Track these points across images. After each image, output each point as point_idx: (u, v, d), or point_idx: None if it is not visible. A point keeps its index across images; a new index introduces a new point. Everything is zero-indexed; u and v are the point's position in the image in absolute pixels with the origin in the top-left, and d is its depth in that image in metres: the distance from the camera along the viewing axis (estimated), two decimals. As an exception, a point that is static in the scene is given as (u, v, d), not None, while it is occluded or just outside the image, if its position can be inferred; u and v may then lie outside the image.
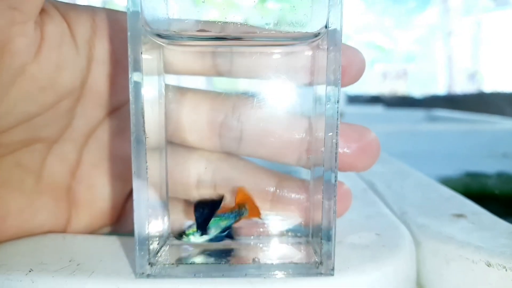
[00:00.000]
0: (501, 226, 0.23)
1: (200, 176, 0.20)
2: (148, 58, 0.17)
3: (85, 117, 0.21)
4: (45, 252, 0.19)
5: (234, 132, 0.20)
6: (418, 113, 1.59)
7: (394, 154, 0.55)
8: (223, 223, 0.18)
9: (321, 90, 0.18)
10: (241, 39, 0.17)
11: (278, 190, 0.20)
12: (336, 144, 0.17)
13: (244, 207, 0.19)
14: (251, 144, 0.20)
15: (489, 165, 0.96)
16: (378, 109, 1.82)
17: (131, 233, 0.19)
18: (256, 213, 0.19)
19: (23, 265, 0.18)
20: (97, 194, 0.22)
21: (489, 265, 0.19)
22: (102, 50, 0.20)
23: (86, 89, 0.20)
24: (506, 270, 0.18)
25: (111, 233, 0.24)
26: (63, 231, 0.22)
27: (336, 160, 0.17)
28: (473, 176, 0.95)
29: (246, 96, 0.20)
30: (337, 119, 0.16)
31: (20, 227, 0.20)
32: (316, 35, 0.16)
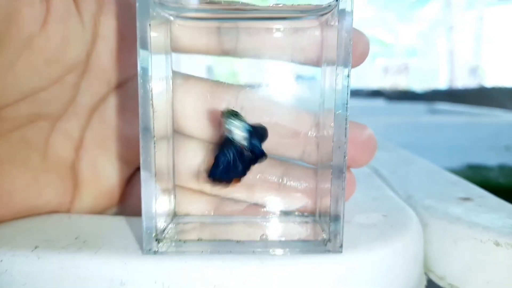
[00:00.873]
0: (508, 208, 0.23)
1: (200, 166, 0.20)
2: (155, 35, 0.17)
3: (89, 93, 0.21)
4: (51, 230, 0.19)
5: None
6: (420, 107, 1.58)
7: (396, 146, 0.55)
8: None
9: (328, 76, 0.17)
10: (249, 11, 0.17)
11: (284, 179, 0.20)
12: (346, 122, 0.16)
13: None
14: None
15: (491, 158, 0.96)
16: (379, 103, 1.82)
17: (135, 214, 0.19)
18: None
19: (29, 242, 0.17)
20: (100, 173, 0.22)
21: (497, 244, 0.18)
22: (107, 25, 0.20)
23: (90, 63, 0.20)
24: (515, 248, 0.18)
25: (116, 215, 0.24)
26: (68, 210, 0.22)
27: (346, 136, 0.16)
28: (475, 168, 0.95)
29: (251, 86, 0.19)
30: (347, 94, 0.16)
31: (25, 204, 0.20)
32: (325, 8, 0.16)
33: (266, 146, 0.19)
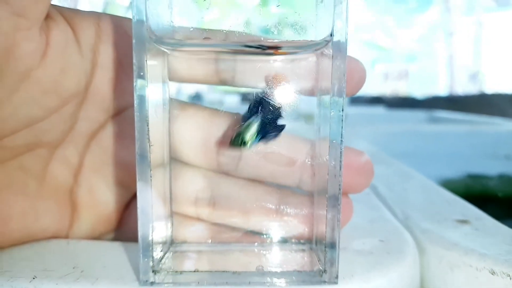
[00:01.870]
0: (504, 231, 0.23)
1: (198, 193, 0.20)
2: (153, 64, 0.17)
3: (87, 121, 0.21)
4: (49, 258, 0.19)
5: (233, 151, 0.20)
6: (420, 114, 1.58)
7: (396, 155, 0.55)
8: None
9: (324, 102, 0.18)
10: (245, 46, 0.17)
11: (281, 207, 0.20)
12: (341, 152, 0.16)
13: None
14: (250, 164, 0.20)
15: (491, 167, 0.96)
16: (379, 110, 1.82)
17: (133, 240, 0.19)
18: None
19: (27, 272, 0.17)
20: (98, 198, 0.22)
21: (493, 273, 0.18)
22: (106, 54, 0.20)
23: (89, 93, 0.20)
24: (510, 278, 0.18)
25: (114, 240, 0.24)
26: (66, 235, 0.22)
27: (341, 165, 0.17)
28: (474, 177, 0.95)
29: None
30: (342, 124, 0.16)
31: (23, 231, 0.20)
32: (321, 43, 0.16)
33: (262, 175, 0.19)
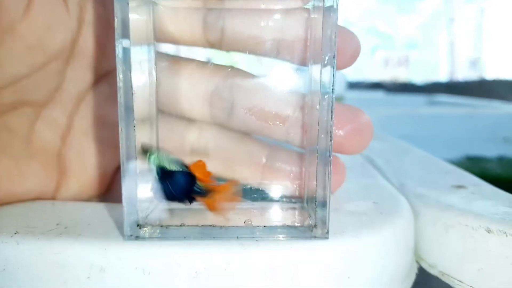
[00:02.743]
0: (502, 195, 0.22)
1: (193, 145, 0.20)
2: (136, 16, 0.16)
3: (75, 81, 0.21)
4: (33, 216, 0.19)
5: (225, 103, 0.19)
6: (419, 99, 1.58)
7: (395, 137, 0.54)
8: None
9: (317, 59, 0.17)
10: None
11: (269, 162, 0.19)
12: (333, 102, 0.16)
13: (213, 193, 0.17)
14: (241, 116, 0.19)
15: (489, 149, 0.96)
16: (378, 95, 1.81)
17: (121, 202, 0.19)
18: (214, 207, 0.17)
19: (9, 228, 0.17)
20: (88, 161, 0.22)
21: (489, 231, 0.18)
22: (93, 11, 0.20)
23: (76, 51, 0.20)
24: (506, 235, 0.17)
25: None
26: (52, 198, 0.21)
27: (332, 120, 0.16)
28: (473, 160, 0.94)
29: (239, 68, 0.19)
30: (333, 76, 0.16)
31: (7, 191, 0.20)
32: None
33: (253, 127, 0.19)
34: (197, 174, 0.17)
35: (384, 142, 0.43)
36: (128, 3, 0.15)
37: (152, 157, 0.16)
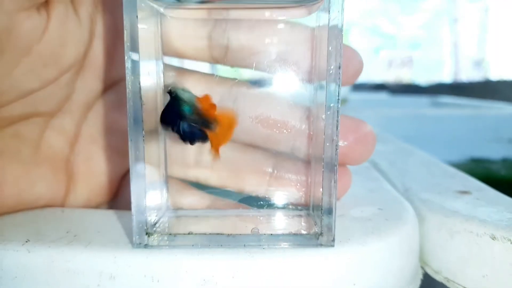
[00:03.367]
0: (506, 201, 0.22)
1: (198, 156, 0.20)
2: (145, 26, 0.16)
3: (84, 90, 0.21)
4: (43, 224, 0.19)
5: None
6: (423, 100, 1.57)
7: (399, 138, 0.54)
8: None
9: (322, 70, 0.17)
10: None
11: (275, 171, 0.20)
12: (338, 112, 0.16)
13: (216, 124, 0.18)
14: (245, 128, 0.19)
15: (494, 151, 0.96)
16: (382, 96, 1.81)
17: (130, 210, 0.19)
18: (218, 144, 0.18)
19: (20, 236, 0.17)
20: (95, 167, 0.22)
21: (493, 238, 0.18)
22: (103, 23, 0.20)
23: (86, 62, 0.20)
24: (511, 242, 0.18)
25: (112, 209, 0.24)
26: (61, 204, 0.22)
27: (337, 129, 0.16)
28: (478, 161, 0.94)
29: (244, 80, 0.19)
30: (339, 86, 0.16)
31: (17, 198, 0.20)
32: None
33: (257, 139, 0.19)
34: (203, 105, 0.18)
35: (388, 144, 0.43)
36: (137, 16, 0.15)
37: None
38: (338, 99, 0.16)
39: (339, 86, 0.16)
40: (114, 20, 0.20)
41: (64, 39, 0.19)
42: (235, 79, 0.19)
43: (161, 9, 0.17)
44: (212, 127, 0.18)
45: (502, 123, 1.01)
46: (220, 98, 0.19)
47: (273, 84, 0.19)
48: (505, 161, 0.94)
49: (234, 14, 0.18)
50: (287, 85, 0.19)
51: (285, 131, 0.19)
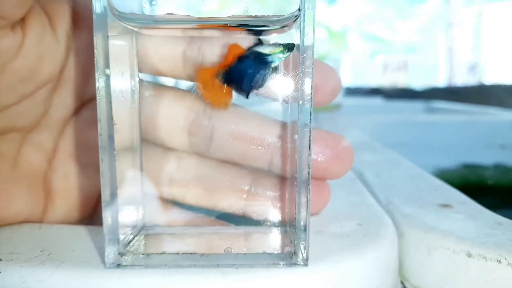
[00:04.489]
0: (486, 215, 0.22)
1: (172, 175, 0.20)
2: (117, 44, 0.16)
3: (61, 106, 0.21)
4: (19, 242, 0.19)
5: (205, 132, 0.19)
6: (417, 105, 1.58)
7: (392, 144, 0.54)
8: None
9: (296, 89, 0.17)
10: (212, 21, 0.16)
11: (253, 188, 0.20)
12: (310, 132, 0.16)
13: None
14: (221, 145, 0.19)
15: (486, 157, 0.96)
16: (377, 101, 1.81)
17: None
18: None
19: (-7, 255, 0.17)
20: (73, 183, 0.22)
21: (469, 255, 0.18)
22: (80, 39, 0.20)
23: (63, 78, 0.20)
24: (486, 260, 0.18)
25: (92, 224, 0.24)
26: (40, 221, 0.21)
27: (310, 148, 0.16)
28: (470, 167, 0.94)
29: None
30: (311, 106, 0.16)
31: None
32: (288, 17, 0.16)
33: (233, 156, 0.19)
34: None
35: (376, 154, 0.43)
36: (108, 36, 0.15)
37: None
38: (310, 119, 0.16)
39: (311, 106, 0.16)
40: (90, 36, 0.20)
41: (41, 55, 0.19)
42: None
43: (135, 29, 0.17)
44: None
45: (495, 129, 1.01)
46: (196, 115, 0.19)
47: (249, 101, 0.19)
48: (497, 167, 0.95)
49: (208, 32, 0.18)
50: (263, 101, 0.19)
51: (261, 147, 0.19)
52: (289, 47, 0.17)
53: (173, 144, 0.20)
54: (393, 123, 1.01)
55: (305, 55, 0.15)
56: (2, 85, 0.18)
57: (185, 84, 0.20)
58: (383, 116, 1.09)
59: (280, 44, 0.17)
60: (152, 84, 0.19)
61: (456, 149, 0.98)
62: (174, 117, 0.19)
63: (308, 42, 0.15)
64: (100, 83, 0.15)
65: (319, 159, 0.19)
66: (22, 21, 0.18)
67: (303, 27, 0.15)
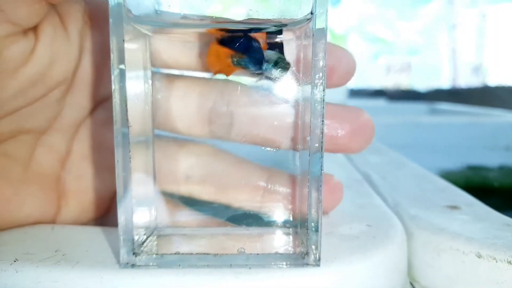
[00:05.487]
0: (494, 217, 0.23)
1: (189, 172, 0.20)
2: (132, 46, 0.17)
3: (74, 107, 0.21)
4: (32, 243, 0.19)
5: (224, 118, 0.19)
6: (421, 106, 1.58)
7: (395, 146, 0.55)
8: None
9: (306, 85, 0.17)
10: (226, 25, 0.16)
11: (269, 185, 0.20)
12: (322, 134, 0.16)
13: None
14: (242, 129, 0.20)
15: (491, 158, 0.96)
16: (380, 103, 1.82)
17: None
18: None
19: (9, 255, 0.17)
20: (87, 185, 0.22)
21: (479, 256, 0.18)
22: (93, 40, 0.20)
23: (76, 79, 0.20)
24: (496, 261, 0.18)
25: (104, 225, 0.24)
26: (52, 222, 0.22)
27: (322, 149, 0.16)
28: (474, 169, 0.94)
29: (234, 82, 0.19)
30: (323, 105, 0.16)
31: (6, 217, 0.20)
32: (302, 21, 0.16)
33: (254, 139, 0.19)
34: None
35: (381, 156, 0.43)
36: (123, 40, 0.15)
37: None
38: (322, 119, 0.16)
39: (323, 105, 0.16)
40: (103, 36, 0.20)
41: (53, 58, 0.18)
42: (226, 80, 0.19)
43: (149, 33, 0.17)
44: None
45: (499, 130, 1.01)
46: (213, 103, 0.19)
47: (264, 82, 0.19)
48: (502, 169, 0.95)
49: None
50: (278, 83, 0.19)
51: (281, 128, 0.19)
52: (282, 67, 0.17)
53: (193, 133, 0.20)
54: (397, 124, 1.01)
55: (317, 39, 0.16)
56: (13, 90, 0.18)
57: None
58: (386, 117, 1.09)
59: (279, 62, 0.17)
60: (167, 76, 0.19)
61: (460, 150, 0.98)
62: (192, 106, 0.19)
63: (320, 25, 0.15)
64: (115, 85, 0.16)
65: (338, 134, 0.19)
66: (33, 27, 0.18)
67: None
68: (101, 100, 0.22)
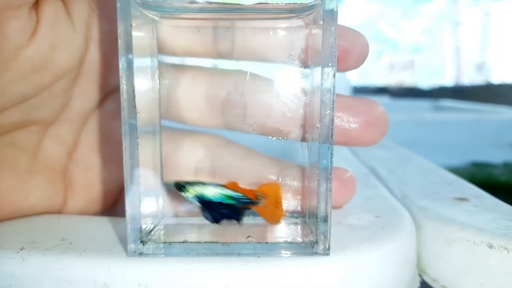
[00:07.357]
0: (503, 209, 0.22)
1: (199, 163, 0.20)
2: (139, 33, 0.16)
3: (83, 98, 0.21)
4: (38, 231, 0.19)
5: (238, 108, 0.19)
6: (425, 104, 1.57)
7: (399, 143, 0.54)
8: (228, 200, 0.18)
9: (316, 76, 0.17)
10: (235, 11, 0.16)
11: (280, 178, 0.20)
12: (332, 121, 0.16)
13: (262, 199, 0.18)
14: (255, 119, 0.19)
15: (495, 155, 0.95)
16: (384, 100, 1.81)
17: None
18: (275, 216, 0.19)
19: (15, 243, 0.17)
20: (94, 176, 0.22)
21: (490, 246, 0.18)
22: (100, 28, 0.20)
23: (83, 69, 0.20)
24: (508, 251, 0.17)
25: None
26: (59, 213, 0.21)
27: (332, 137, 0.16)
28: (479, 165, 0.94)
29: (246, 72, 0.19)
30: (333, 95, 0.16)
31: (13, 207, 0.20)
32: (312, 6, 0.16)
33: (267, 129, 0.19)
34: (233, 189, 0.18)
35: (387, 150, 0.43)
36: (131, 25, 0.15)
37: (188, 192, 0.17)
38: (332, 107, 0.16)
39: (333, 94, 0.16)
40: (111, 25, 0.20)
41: (55, 42, 0.18)
42: (238, 70, 0.19)
43: (157, 18, 0.17)
44: (259, 203, 0.18)
45: (503, 127, 1.01)
46: (227, 93, 0.19)
47: (276, 73, 0.19)
48: (506, 165, 0.94)
49: (238, 24, 0.18)
50: (290, 73, 0.18)
51: (294, 118, 0.19)
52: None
53: (205, 124, 0.20)
54: (401, 121, 1.01)
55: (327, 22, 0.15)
56: (15, 74, 0.18)
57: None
58: (390, 114, 1.09)
59: None
60: (178, 66, 0.19)
61: (465, 147, 0.97)
62: (203, 97, 0.19)
63: (330, 6, 0.15)
64: (123, 72, 0.15)
65: (351, 127, 0.19)
66: (35, 6, 0.18)
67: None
68: (109, 92, 0.22)
